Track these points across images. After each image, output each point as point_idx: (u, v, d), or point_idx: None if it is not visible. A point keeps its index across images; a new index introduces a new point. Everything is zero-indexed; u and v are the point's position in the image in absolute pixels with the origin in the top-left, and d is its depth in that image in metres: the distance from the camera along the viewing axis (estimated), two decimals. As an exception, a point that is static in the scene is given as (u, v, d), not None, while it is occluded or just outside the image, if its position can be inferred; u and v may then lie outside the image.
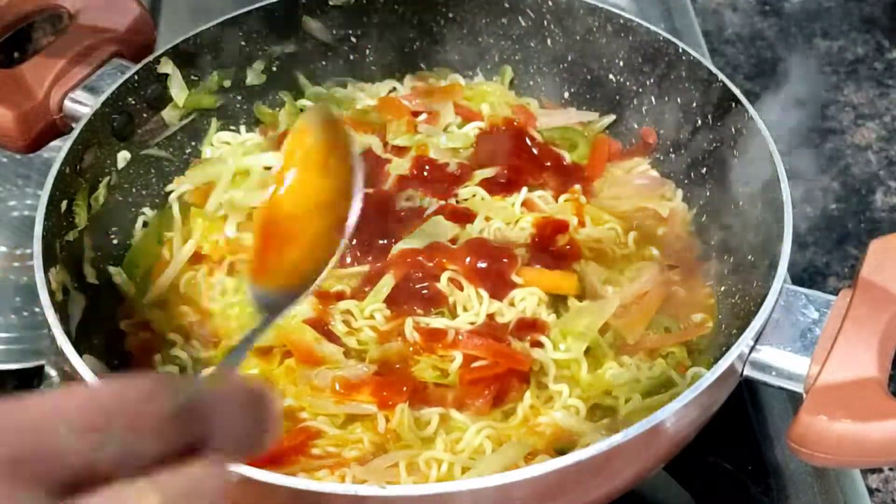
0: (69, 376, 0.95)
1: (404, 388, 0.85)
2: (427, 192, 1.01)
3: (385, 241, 0.95)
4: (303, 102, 1.11)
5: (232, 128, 1.09)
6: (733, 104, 0.94)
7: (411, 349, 0.88)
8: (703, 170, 1.01)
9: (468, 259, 0.92)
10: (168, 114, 1.03)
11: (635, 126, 1.08)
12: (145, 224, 1.02)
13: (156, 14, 1.40)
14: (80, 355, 0.76)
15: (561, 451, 0.80)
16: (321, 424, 0.84)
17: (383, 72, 1.15)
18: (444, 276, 0.91)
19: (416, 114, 1.09)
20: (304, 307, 0.90)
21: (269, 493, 0.68)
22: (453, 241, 0.95)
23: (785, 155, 0.89)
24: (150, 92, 1.01)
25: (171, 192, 1.03)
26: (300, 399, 0.85)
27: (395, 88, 1.14)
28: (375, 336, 0.89)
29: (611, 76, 1.08)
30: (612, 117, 1.10)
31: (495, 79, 1.14)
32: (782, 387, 0.77)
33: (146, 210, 1.02)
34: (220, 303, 0.94)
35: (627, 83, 1.07)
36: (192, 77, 1.04)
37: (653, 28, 1.02)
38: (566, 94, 1.13)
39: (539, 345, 0.88)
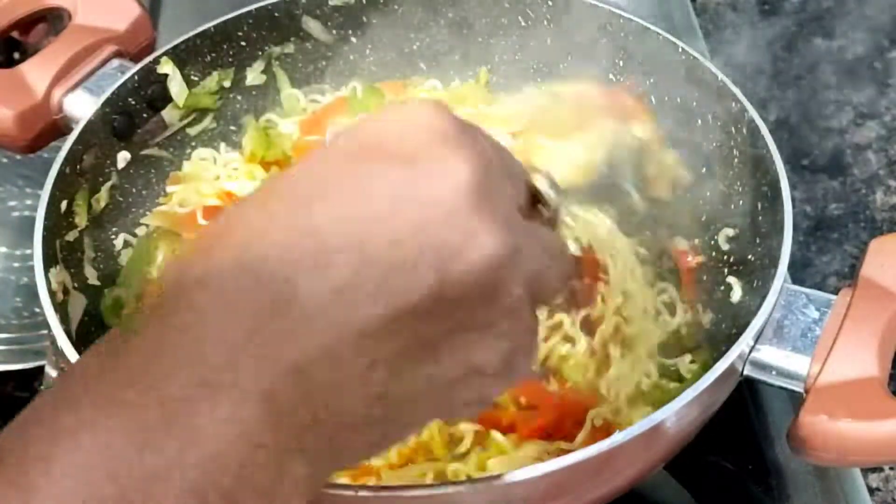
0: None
1: None
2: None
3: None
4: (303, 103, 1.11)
5: (232, 128, 1.09)
6: (733, 104, 0.94)
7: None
8: (703, 170, 1.01)
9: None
10: (168, 114, 1.03)
11: (635, 126, 1.08)
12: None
13: (156, 14, 1.39)
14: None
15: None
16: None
17: (383, 72, 1.15)
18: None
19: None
20: None
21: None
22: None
23: (785, 154, 0.89)
24: (150, 92, 1.00)
25: (171, 192, 1.03)
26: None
27: (394, 89, 1.14)
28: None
29: (611, 76, 1.08)
30: (612, 117, 1.10)
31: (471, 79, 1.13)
32: (783, 386, 0.77)
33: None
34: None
35: (627, 83, 1.07)
36: (192, 77, 1.04)
37: (653, 28, 1.02)
38: (566, 94, 1.13)
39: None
